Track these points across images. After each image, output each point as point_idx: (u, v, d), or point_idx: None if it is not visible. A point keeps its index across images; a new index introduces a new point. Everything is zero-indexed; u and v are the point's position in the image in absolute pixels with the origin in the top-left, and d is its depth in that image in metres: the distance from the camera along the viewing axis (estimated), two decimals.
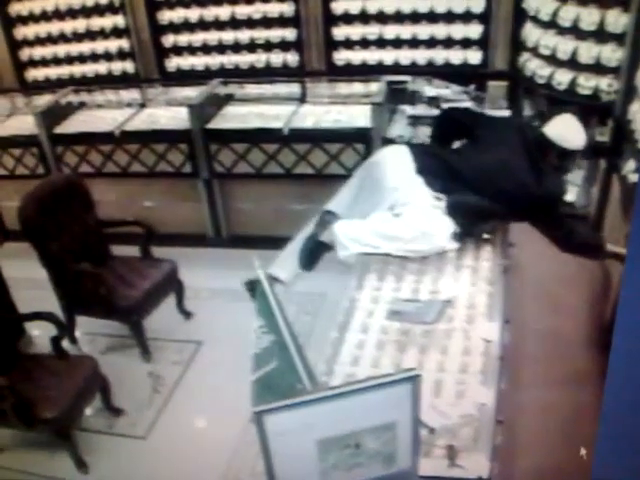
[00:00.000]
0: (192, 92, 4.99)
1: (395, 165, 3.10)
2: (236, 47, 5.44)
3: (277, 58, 5.39)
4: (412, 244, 2.86)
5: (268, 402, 1.59)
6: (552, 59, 4.46)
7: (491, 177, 2.98)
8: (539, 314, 3.11)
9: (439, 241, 2.87)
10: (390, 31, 5.09)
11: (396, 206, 2.99)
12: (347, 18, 5.14)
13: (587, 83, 4.30)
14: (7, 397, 3.15)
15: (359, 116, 4.70)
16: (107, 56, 5.74)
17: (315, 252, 3.24)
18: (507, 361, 2.32)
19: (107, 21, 5.60)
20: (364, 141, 4.47)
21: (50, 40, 5.86)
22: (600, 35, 4.17)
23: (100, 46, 5.72)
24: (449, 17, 4.94)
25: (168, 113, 5.11)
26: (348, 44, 5.23)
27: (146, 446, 3.51)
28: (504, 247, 2.90)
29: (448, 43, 5.03)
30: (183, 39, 5.53)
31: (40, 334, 3.98)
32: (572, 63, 4.35)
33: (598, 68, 4.25)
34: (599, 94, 4.29)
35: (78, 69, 5.87)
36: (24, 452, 3.54)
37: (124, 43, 5.64)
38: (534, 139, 3.11)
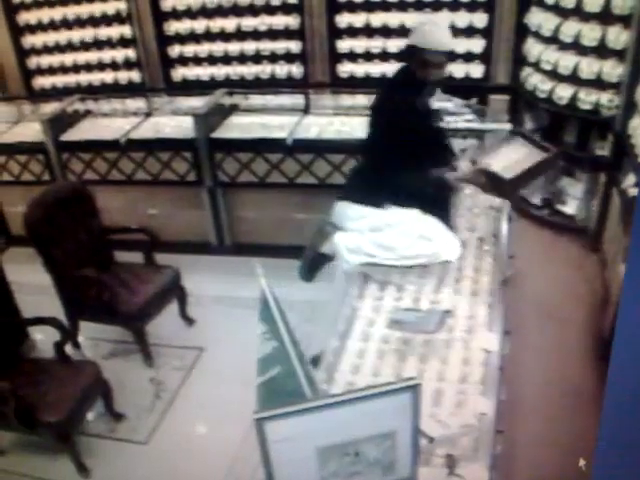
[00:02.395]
0: (197, 102, 5.01)
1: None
2: (241, 58, 5.48)
3: (282, 69, 5.43)
4: (409, 250, 2.89)
5: (272, 407, 1.61)
6: (553, 74, 4.50)
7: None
8: (539, 325, 3.12)
9: (437, 246, 2.90)
10: (394, 44, 5.13)
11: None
12: (351, 31, 5.18)
13: (588, 98, 4.34)
14: (9, 401, 3.16)
15: (362, 127, 4.73)
16: (114, 65, 5.78)
17: (315, 263, 3.27)
18: (507, 371, 2.34)
19: (114, 31, 5.64)
20: None
21: (58, 49, 5.90)
22: (601, 51, 4.22)
23: (107, 55, 5.76)
24: (452, 31, 4.95)
25: (173, 122, 5.14)
26: (352, 57, 5.27)
27: (147, 451, 3.51)
28: (505, 259, 2.92)
29: (450, 57, 5.06)
30: (189, 50, 5.58)
31: (43, 339, 4.00)
32: (573, 78, 4.39)
33: (599, 83, 4.29)
34: (600, 109, 4.33)
35: (85, 78, 5.90)
36: (25, 455, 3.55)
37: (131, 53, 5.69)
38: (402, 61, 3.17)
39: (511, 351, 2.43)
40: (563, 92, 4.46)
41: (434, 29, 2.97)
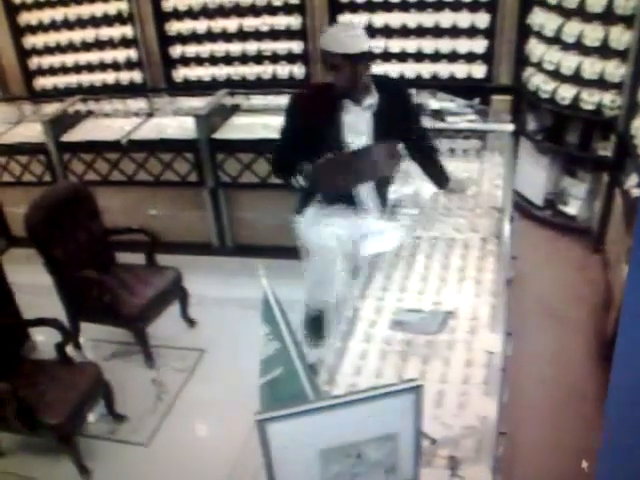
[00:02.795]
0: (199, 102, 5.00)
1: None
2: (243, 59, 5.50)
3: (283, 70, 5.45)
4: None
5: (274, 408, 1.60)
6: (556, 74, 4.50)
7: None
8: (541, 327, 3.11)
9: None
10: (395, 45, 5.15)
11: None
12: None
13: (590, 98, 4.34)
14: (10, 402, 3.16)
15: None
16: (115, 66, 5.80)
17: (317, 321, 3.27)
18: (509, 373, 2.33)
19: (116, 31, 5.66)
20: None
21: (59, 49, 5.93)
22: (604, 51, 4.22)
23: (108, 56, 5.78)
24: (454, 32, 4.99)
25: (175, 123, 5.12)
26: None
27: (148, 453, 3.50)
28: (507, 260, 2.91)
29: (453, 57, 5.08)
30: (191, 50, 5.60)
31: (44, 340, 3.99)
32: (576, 78, 4.39)
33: (601, 84, 4.29)
34: (602, 109, 4.33)
35: (86, 78, 5.93)
36: (26, 457, 3.54)
37: (132, 53, 5.70)
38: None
39: (514, 352, 2.43)
40: (566, 92, 4.46)
41: (337, 32, 2.94)
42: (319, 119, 3.00)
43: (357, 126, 3.01)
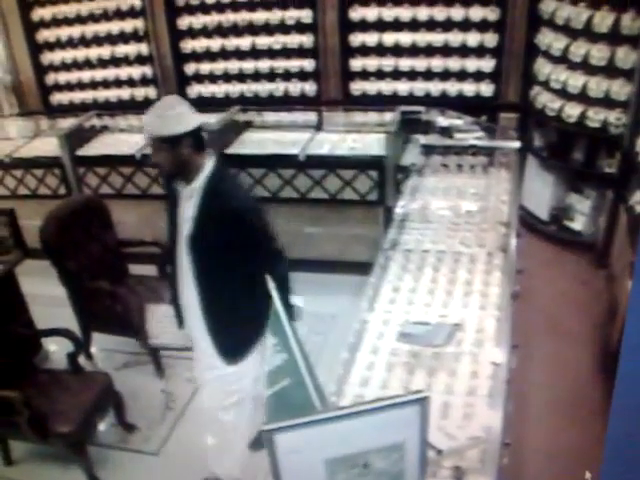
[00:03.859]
0: (212, 118, 5.09)
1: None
2: (256, 76, 5.59)
3: (295, 87, 5.53)
4: None
5: (281, 418, 1.62)
6: (562, 93, 4.56)
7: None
8: (546, 339, 3.12)
9: None
10: (405, 63, 5.22)
11: None
12: (364, 50, 5.29)
13: (596, 116, 4.39)
14: (22, 411, 3.20)
15: (373, 144, 4.80)
16: (130, 82, 5.91)
17: None
18: (514, 385, 2.36)
19: (132, 48, 5.78)
20: (378, 168, 4.56)
21: (75, 66, 6.05)
22: (610, 70, 4.28)
23: (124, 72, 5.89)
24: (463, 51, 5.07)
25: None
26: (364, 75, 5.37)
27: (158, 462, 3.54)
28: (513, 274, 2.94)
29: (461, 76, 5.15)
30: (205, 67, 5.69)
31: (57, 350, 4.06)
32: (582, 97, 4.45)
33: (607, 102, 4.34)
34: (608, 127, 4.38)
35: (102, 94, 6.03)
36: (38, 466, 3.56)
37: (147, 70, 5.81)
38: None
39: (518, 364, 2.45)
40: (572, 110, 4.51)
41: (153, 112, 2.58)
42: (172, 198, 2.74)
43: (184, 211, 2.68)
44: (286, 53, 5.46)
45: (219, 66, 5.66)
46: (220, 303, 2.71)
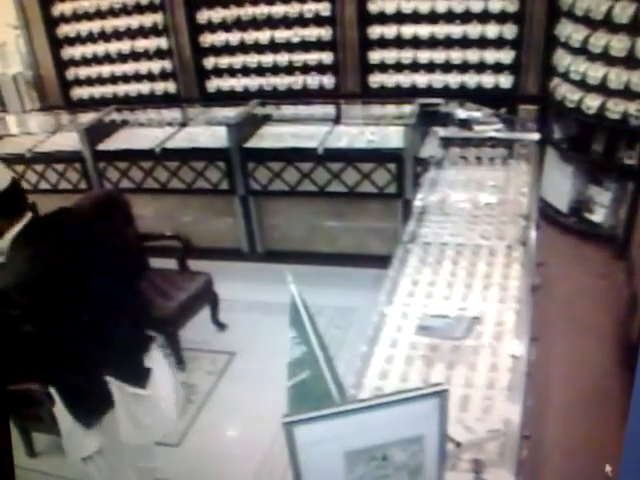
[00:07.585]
0: (231, 112, 5.10)
1: None
2: (274, 69, 5.61)
3: (314, 80, 5.54)
4: None
5: (302, 410, 1.64)
6: (582, 84, 4.52)
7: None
8: (566, 332, 3.11)
9: None
10: (424, 55, 5.21)
11: None
12: (382, 43, 5.28)
13: (616, 108, 4.34)
14: (44, 403, 3.24)
15: (392, 137, 4.78)
16: (150, 76, 5.96)
17: None
18: (534, 377, 2.36)
19: (151, 43, 5.82)
20: (396, 161, 4.54)
21: (95, 60, 6.11)
22: (630, 62, 4.23)
23: (143, 67, 5.94)
24: (482, 42, 5.04)
25: (207, 132, 5.22)
26: (383, 67, 5.37)
27: (178, 453, 3.57)
28: (532, 267, 2.93)
29: (480, 67, 5.13)
30: (224, 61, 5.72)
31: None
32: (602, 88, 4.40)
33: (627, 93, 4.30)
34: (628, 118, 4.33)
35: (122, 88, 6.09)
36: (60, 458, 3.55)
37: (167, 64, 5.85)
38: None
39: (538, 357, 2.44)
40: (592, 102, 4.47)
41: None
42: None
43: None
44: (305, 46, 5.47)
45: (238, 60, 5.68)
46: None
